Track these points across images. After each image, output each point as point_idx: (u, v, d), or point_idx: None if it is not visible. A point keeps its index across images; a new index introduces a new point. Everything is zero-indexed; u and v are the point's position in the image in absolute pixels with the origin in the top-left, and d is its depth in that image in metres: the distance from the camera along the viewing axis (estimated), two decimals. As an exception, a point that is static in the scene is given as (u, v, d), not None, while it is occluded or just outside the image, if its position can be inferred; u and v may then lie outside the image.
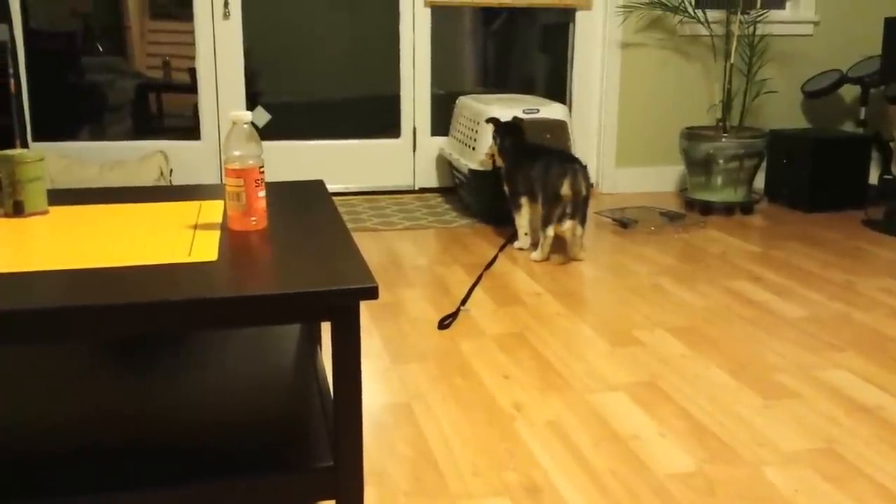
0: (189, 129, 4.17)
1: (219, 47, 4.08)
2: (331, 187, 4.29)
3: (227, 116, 4.08)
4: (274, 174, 4.17)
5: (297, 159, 4.29)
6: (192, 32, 4.06)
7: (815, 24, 4.55)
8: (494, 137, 3.42)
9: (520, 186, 3.28)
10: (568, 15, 4.45)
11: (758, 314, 2.68)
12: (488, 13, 4.49)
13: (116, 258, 1.27)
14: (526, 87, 4.58)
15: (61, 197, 1.67)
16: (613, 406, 2.04)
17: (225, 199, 1.46)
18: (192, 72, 4.12)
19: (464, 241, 3.53)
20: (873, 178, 4.26)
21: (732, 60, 4.08)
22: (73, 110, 4.09)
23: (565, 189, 3.08)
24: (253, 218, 1.42)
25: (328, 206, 1.63)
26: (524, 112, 3.65)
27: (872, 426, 1.94)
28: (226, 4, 4.04)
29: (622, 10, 4.28)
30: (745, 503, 1.63)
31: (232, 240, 1.37)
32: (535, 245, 3.30)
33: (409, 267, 3.16)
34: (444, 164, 4.41)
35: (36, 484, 1.17)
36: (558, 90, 4.54)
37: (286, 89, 4.35)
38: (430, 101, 4.37)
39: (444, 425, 1.93)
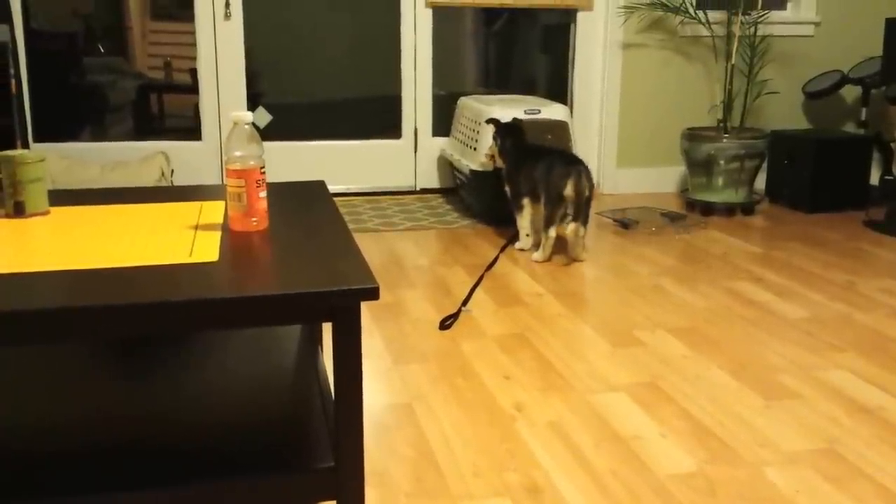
0: (190, 130, 4.18)
1: (220, 48, 4.08)
2: (332, 188, 4.30)
3: (228, 117, 4.08)
4: (275, 175, 4.18)
5: (298, 160, 4.29)
6: (193, 33, 4.06)
7: (816, 24, 4.55)
8: (495, 138, 3.42)
9: (522, 187, 3.28)
10: (569, 16, 4.45)
11: (759, 315, 2.68)
12: (489, 14, 4.49)
13: (117, 259, 1.27)
14: (527, 88, 4.58)
15: (62, 197, 1.67)
16: (614, 406, 2.03)
17: (226, 200, 1.46)
18: (194, 72, 4.12)
19: (465, 241, 3.53)
20: (874, 178, 4.26)
21: (733, 61, 4.08)
22: (74, 111, 4.09)
23: (568, 190, 3.08)
24: (254, 218, 1.42)
25: (329, 206, 1.63)
26: (526, 112, 3.65)
27: (873, 427, 1.94)
28: (227, 5, 4.04)
29: (623, 10, 4.28)
30: (745, 503, 1.63)
31: (233, 240, 1.38)
32: (536, 246, 3.30)
33: (411, 267, 3.16)
34: (446, 165, 4.41)
35: (36, 484, 1.17)
36: (559, 91, 4.54)
37: (287, 90, 4.35)
38: (431, 102, 4.37)
39: (445, 426, 1.93)
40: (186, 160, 4.12)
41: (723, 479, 1.71)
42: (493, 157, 3.46)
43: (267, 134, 4.24)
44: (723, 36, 4.21)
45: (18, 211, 1.52)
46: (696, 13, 4.17)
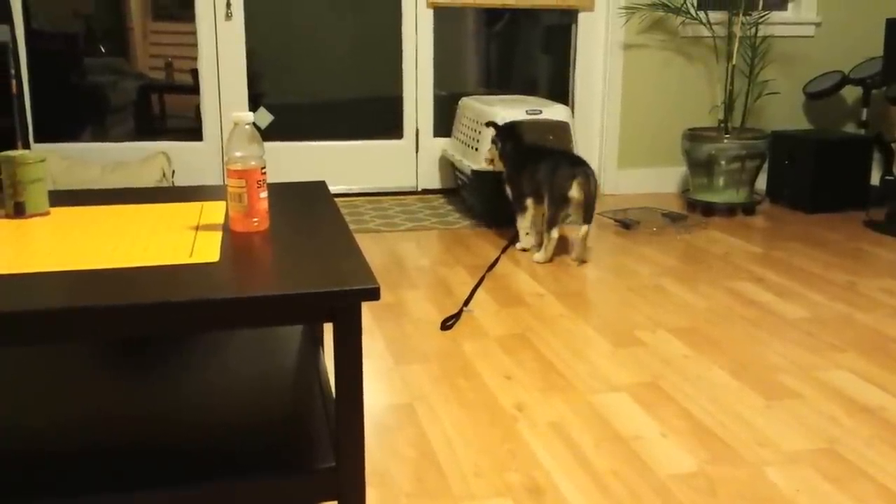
0: (191, 131, 4.18)
1: (221, 48, 4.08)
2: (333, 188, 4.30)
3: (229, 117, 4.09)
4: (276, 175, 4.18)
5: (299, 160, 4.29)
6: (194, 33, 4.06)
7: (817, 25, 4.55)
8: (494, 142, 3.41)
9: (525, 188, 3.27)
10: (570, 16, 4.45)
11: (759, 315, 2.68)
12: (491, 14, 4.49)
13: (118, 259, 1.27)
14: (528, 89, 4.58)
15: (63, 198, 1.67)
16: (615, 407, 2.03)
17: (227, 200, 1.47)
18: (195, 73, 4.12)
19: (466, 242, 3.53)
20: (875, 179, 4.26)
21: (734, 62, 4.08)
22: (75, 111, 4.09)
23: (575, 192, 3.07)
24: (255, 219, 1.42)
25: (330, 206, 1.63)
26: (527, 113, 3.64)
27: (874, 426, 1.94)
28: (228, 5, 4.04)
29: (624, 11, 4.28)
30: (746, 503, 1.63)
31: (234, 241, 1.38)
32: (538, 246, 3.30)
33: (412, 268, 3.16)
34: (447, 165, 4.41)
35: (37, 484, 1.17)
36: (560, 91, 4.54)
37: (289, 90, 4.35)
38: (432, 102, 4.37)
39: (446, 426, 1.93)
40: (187, 161, 4.12)
41: (723, 478, 1.72)
42: (492, 160, 3.46)
43: (268, 134, 4.24)
44: (724, 36, 4.21)
45: (19, 211, 1.52)
46: (697, 14, 4.17)
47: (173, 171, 3.87)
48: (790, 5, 4.60)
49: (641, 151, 4.51)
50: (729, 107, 4.09)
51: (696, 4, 4.28)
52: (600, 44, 4.43)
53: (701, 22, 4.17)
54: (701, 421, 1.96)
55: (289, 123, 4.31)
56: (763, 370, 2.25)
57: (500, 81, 4.61)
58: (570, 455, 1.81)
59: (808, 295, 2.87)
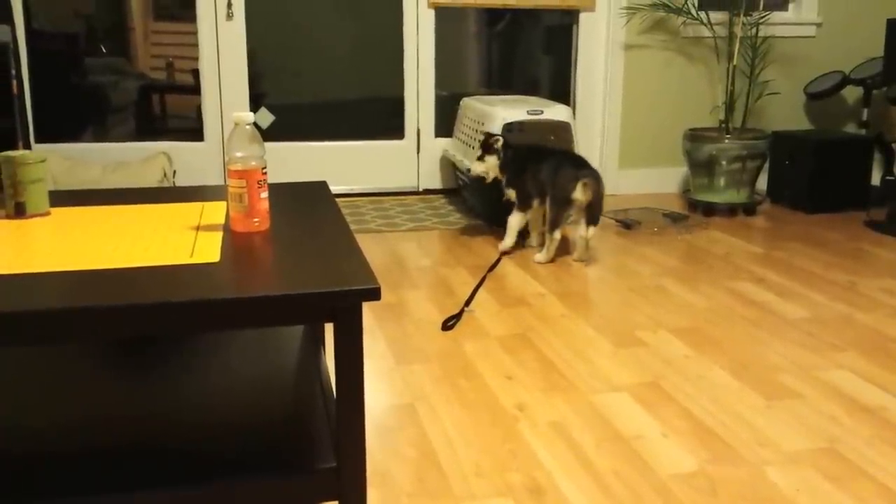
0: (192, 131, 4.18)
1: (222, 48, 4.08)
2: (335, 188, 4.30)
3: (230, 117, 4.09)
4: (277, 175, 4.18)
5: (300, 160, 4.30)
6: (195, 33, 4.07)
7: (818, 25, 4.55)
8: (496, 152, 3.28)
9: (530, 189, 3.24)
10: (571, 16, 4.45)
11: (760, 315, 2.68)
12: (492, 14, 4.49)
13: (118, 259, 1.27)
14: (529, 89, 4.58)
15: (63, 198, 1.67)
16: (616, 406, 2.03)
17: (227, 201, 1.47)
18: (196, 73, 4.12)
19: (467, 242, 3.53)
20: (875, 179, 4.25)
21: (735, 62, 4.08)
22: (75, 111, 4.09)
23: (577, 194, 3.06)
24: (255, 219, 1.42)
25: (331, 207, 1.64)
26: (528, 113, 3.64)
27: (874, 426, 1.94)
28: (229, 5, 4.05)
29: (625, 11, 4.28)
30: (746, 503, 1.63)
31: (234, 241, 1.38)
32: (540, 246, 3.30)
33: (413, 268, 3.16)
34: (448, 166, 4.41)
35: (37, 484, 1.17)
36: (561, 91, 4.54)
37: (290, 90, 4.35)
38: (433, 103, 4.37)
39: (447, 426, 1.93)
40: (188, 161, 4.12)
41: (724, 478, 1.72)
42: (487, 172, 3.31)
43: (269, 134, 4.24)
44: (724, 37, 4.21)
45: (19, 212, 1.52)
46: (697, 14, 4.17)
47: (174, 172, 3.87)
48: (791, 6, 4.60)
49: (642, 151, 4.51)
50: (730, 107, 4.09)
51: (697, 5, 4.28)
52: (601, 44, 4.43)
53: (702, 22, 4.17)
54: (702, 421, 1.96)
55: (290, 123, 4.31)
56: (763, 370, 2.25)
57: (501, 81, 4.61)
58: (571, 455, 1.81)
59: (808, 295, 2.87)
